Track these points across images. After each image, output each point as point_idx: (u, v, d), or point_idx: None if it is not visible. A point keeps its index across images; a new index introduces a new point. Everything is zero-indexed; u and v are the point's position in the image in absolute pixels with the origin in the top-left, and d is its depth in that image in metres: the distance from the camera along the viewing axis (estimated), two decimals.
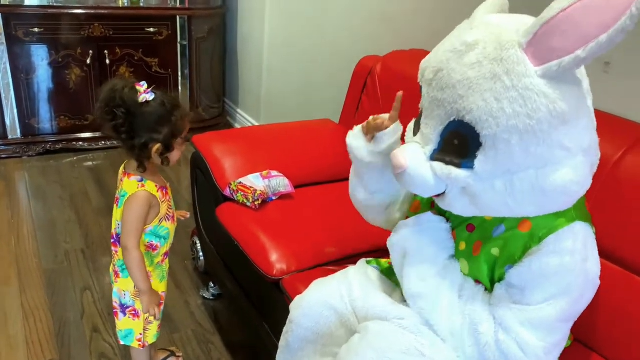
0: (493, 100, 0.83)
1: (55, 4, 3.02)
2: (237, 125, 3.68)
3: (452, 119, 0.89)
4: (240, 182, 1.70)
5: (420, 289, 1.04)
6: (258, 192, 1.66)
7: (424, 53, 1.00)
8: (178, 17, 3.25)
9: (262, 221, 1.61)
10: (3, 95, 2.98)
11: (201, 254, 2.07)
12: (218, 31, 3.53)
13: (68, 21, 3.00)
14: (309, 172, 1.82)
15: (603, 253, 1.13)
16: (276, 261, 1.45)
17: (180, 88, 3.41)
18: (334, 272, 1.25)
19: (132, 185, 1.27)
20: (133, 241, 1.27)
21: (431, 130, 0.93)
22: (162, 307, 1.44)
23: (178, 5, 3.26)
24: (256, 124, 3.39)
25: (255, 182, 1.70)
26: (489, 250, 0.99)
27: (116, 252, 1.37)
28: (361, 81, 1.97)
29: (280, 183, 1.73)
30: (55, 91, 3.10)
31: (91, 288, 2.04)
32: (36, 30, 2.95)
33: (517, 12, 0.95)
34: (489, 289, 1.02)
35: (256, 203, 1.66)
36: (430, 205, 1.10)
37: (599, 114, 1.29)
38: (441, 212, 1.07)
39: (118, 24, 3.12)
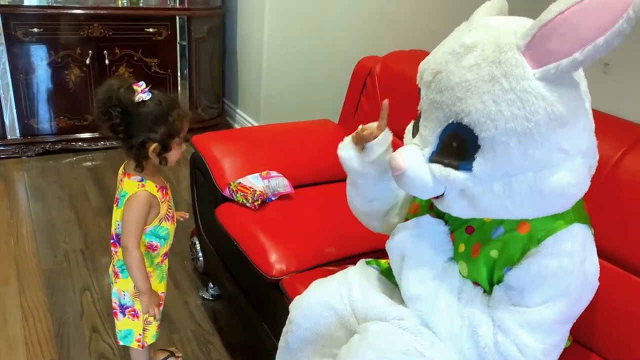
0: (491, 102, 0.83)
1: (54, 4, 3.01)
2: (237, 126, 3.68)
3: (450, 121, 0.89)
4: (240, 183, 1.70)
5: (418, 292, 1.04)
6: (257, 193, 1.66)
7: (424, 53, 1.00)
8: (177, 18, 3.25)
9: (262, 221, 1.61)
10: (2, 96, 2.98)
11: (200, 254, 2.07)
12: (217, 31, 3.53)
13: (67, 21, 3.00)
14: (308, 173, 1.82)
15: (602, 253, 1.13)
16: (275, 261, 1.45)
17: (179, 88, 3.41)
18: (333, 272, 1.25)
19: (132, 186, 1.27)
20: (133, 241, 1.27)
21: (430, 132, 0.93)
22: (161, 308, 1.44)
23: (177, 5, 3.26)
24: (255, 124, 3.39)
25: (255, 182, 1.70)
26: (488, 252, 0.99)
27: (116, 252, 1.37)
28: (360, 81, 1.97)
29: (279, 183, 1.73)
30: (55, 91, 3.10)
31: (90, 288, 2.04)
32: (35, 30, 2.94)
33: (517, 14, 0.95)
34: (488, 291, 1.02)
35: (255, 203, 1.66)
36: (429, 207, 1.10)
37: (598, 115, 1.29)
38: (440, 215, 1.07)
39: (117, 24, 3.11)
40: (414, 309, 1.04)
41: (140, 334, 1.42)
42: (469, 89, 0.85)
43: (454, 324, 1.00)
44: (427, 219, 1.07)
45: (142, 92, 1.20)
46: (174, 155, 1.28)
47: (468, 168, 0.89)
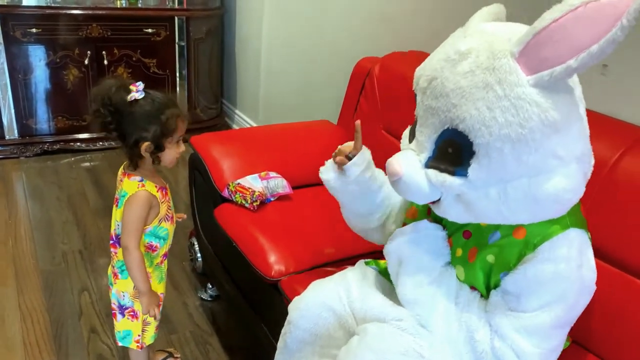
0: (485, 109, 0.83)
1: (53, 5, 3.01)
2: (235, 126, 3.68)
3: (446, 127, 0.90)
4: (239, 183, 1.70)
5: (416, 296, 1.04)
6: (256, 193, 1.66)
7: (423, 54, 1.01)
8: (176, 18, 3.24)
9: (260, 222, 1.61)
10: (0, 96, 2.97)
11: (199, 255, 2.07)
12: (216, 32, 3.53)
13: (66, 22, 2.99)
14: (307, 173, 1.82)
15: (600, 255, 1.13)
16: (274, 262, 1.45)
17: (178, 89, 3.41)
18: (332, 273, 1.25)
19: (132, 186, 1.27)
20: (133, 241, 1.27)
21: (426, 138, 0.94)
22: (160, 309, 1.44)
23: (176, 6, 3.26)
24: (254, 125, 3.39)
25: (254, 183, 1.70)
26: (485, 256, 1.00)
27: (115, 253, 1.36)
28: (359, 82, 1.98)
29: (278, 184, 1.73)
30: (53, 92, 3.10)
31: (89, 289, 2.04)
32: (34, 30, 2.94)
33: (518, 19, 0.95)
34: (485, 296, 1.03)
35: (254, 204, 1.66)
36: (427, 212, 1.10)
37: (596, 116, 1.30)
38: (438, 220, 1.07)
39: (116, 24, 3.11)
40: (412, 312, 1.05)
41: (139, 335, 1.42)
42: (464, 95, 0.85)
43: (451, 329, 1.01)
44: (425, 223, 1.07)
45: (136, 91, 1.21)
46: (168, 155, 1.27)
47: (463, 174, 0.89)
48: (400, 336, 1.01)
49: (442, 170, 0.92)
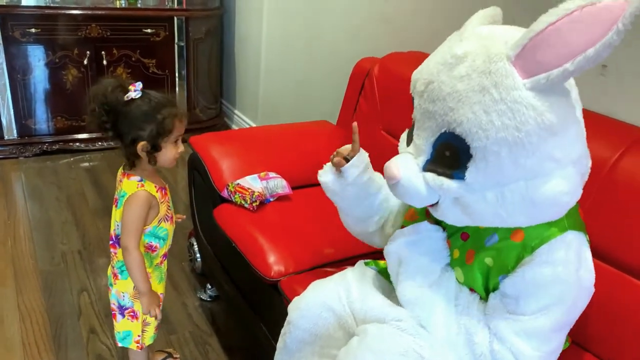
0: (482, 112, 0.84)
1: (52, 5, 3.01)
2: (234, 127, 3.68)
3: (443, 130, 0.90)
4: (238, 184, 1.70)
5: (415, 298, 1.04)
6: (256, 194, 1.66)
7: (422, 55, 1.01)
8: (175, 18, 3.24)
9: (260, 223, 1.61)
10: None
11: (198, 255, 2.07)
12: (215, 32, 3.53)
13: (65, 22, 2.99)
14: (306, 174, 1.81)
15: (600, 255, 1.14)
16: (274, 263, 1.45)
17: (177, 89, 3.40)
18: (332, 273, 1.25)
19: (131, 186, 1.27)
20: (133, 241, 1.27)
21: (423, 142, 0.94)
22: (160, 309, 1.44)
23: (175, 6, 3.26)
24: (253, 125, 3.39)
25: (253, 183, 1.70)
26: (482, 259, 1.00)
27: (115, 253, 1.36)
28: (359, 83, 1.98)
29: (277, 184, 1.73)
30: (52, 92, 3.09)
31: (88, 289, 2.04)
32: (33, 30, 2.94)
33: (520, 21, 0.95)
34: (484, 298, 1.03)
35: (254, 204, 1.66)
36: (426, 214, 1.10)
37: (596, 117, 1.30)
38: (438, 221, 1.07)
39: (115, 24, 3.11)
40: (411, 313, 1.05)
41: (139, 335, 1.42)
42: (460, 99, 0.86)
43: (450, 331, 1.01)
44: (425, 225, 1.07)
45: (133, 91, 1.21)
46: (165, 155, 1.27)
47: (461, 177, 0.90)
48: (400, 337, 1.01)
49: (439, 174, 0.92)
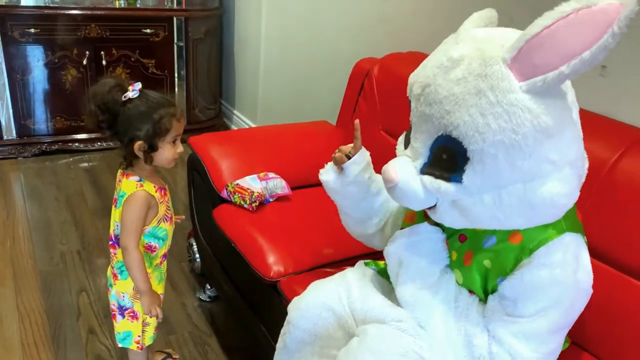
0: (478, 115, 0.84)
1: (51, 5, 3.00)
2: (234, 127, 3.68)
3: (440, 133, 0.90)
4: (238, 184, 1.70)
5: (415, 299, 1.05)
6: (255, 194, 1.66)
7: (422, 55, 1.01)
8: (175, 18, 3.24)
9: (259, 223, 1.61)
10: None
11: (197, 255, 2.07)
12: (215, 32, 3.53)
13: (64, 22, 2.99)
14: (306, 174, 1.82)
15: (599, 256, 1.14)
16: (273, 263, 1.45)
17: (176, 89, 3.40)
18: (331, 274, 1.25)
19: (130, 186, 1.27)
20: (133, 241, 1.27)
21: (421, 145, 0.95)
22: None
23: (175, 6, 3.25)
24: (253, 125, 3.39)
25: (253, 183, 1.70)
26: (481, 261, 1.00)
27: (115, 253, 1.36)
28: (358, 83, 1.98)
29: (277, 185, 1.73)
30: (51, 92, 3.09)
31: (87, 290, 2.04)
32: (32, 30, 2.93)
33: (521, 21, 0.95)
34: (483, 300, 1.03)
35: (253, 205, 1.66)
36: (425, 215, 1.10)
37: (595, 117, 1.30)
38: (437, 223, 1.08)
39: (114, 24, 3.11)
40: (411, 314, 1.05)
41: (139, 336, 1.42)
42: (457, 102, 0.86)
43: (450, 333, 1.01)
44: (425, 226, 1.08)
45: (131, 91, 1.21)
46: (162, 154, 1.26)
47: (458, 180, 0.90)
48: (400, 337, 1.01)
49: (437, 177, 0.93)
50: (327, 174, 1.17)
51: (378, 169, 1.10)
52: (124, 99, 1.21)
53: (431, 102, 0.90)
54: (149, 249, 1.35)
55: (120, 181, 1.31)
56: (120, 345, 1.44)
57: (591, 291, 0.99)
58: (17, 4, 2.94)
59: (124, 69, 3.21)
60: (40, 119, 3.12)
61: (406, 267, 1.07)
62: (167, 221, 1.35)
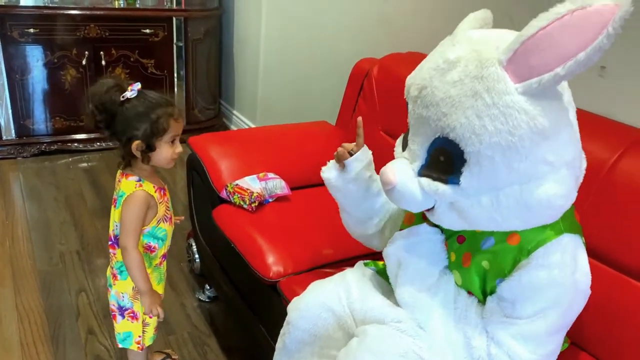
0: (475, 117, 0.84)
1: (50, 5, 3.00)
2: (233, 127, 3.68)
3: (437, 135, 0.90)
4: (237, 184, 1.70)
5: (414, 300, 1.05)
6: (255, 194, 1.66)
7: (421, 55, 1.01)
8: (174, 19, 3.24)
9: (259, 223, 1.61)
10: None
11: (197, 256, 2.07)
12: (214, 32, 3.52)
13: (63, 22, 2.99)
14: (305, 174, 1.82)
15: (598, 257, 1.14)
16: (273, 263, 1.45)
17: (176, 89, 3.40)
18: (331, 274, 1.25)
19: (129, 186, 1.27)
20: (132, 241, 1.27)
21: (418, 147, 0.95)
22: None
23: (174, 6, 3.25)
24: (252, 125, 3.39)
25: (252, 184, 1.70)
26: (479, 262, 1.00)
27: (114, 254, 1.36)
28: (358, 83, 1.98)
29: (276, 185, 1.73)
30: (51, 92, 3.09)
31: (86, 290, 2.03)
32: (31, 30, 2.93)
33: (519, 19, 0.95)
34: (482, 301, 1.03)
35: (253, 205, 1.66)
36: (424, 216, 1.10)
37: (595, 118, 1.30)
38: (436, 224, 1.08)
39: (114, 24, 3.11)
40: (411, 315, 1.05)
41: (140, 336, 1.42)
42: (453, 104, 0.86)
43: (449, 334, 1.01)
44: (424, 227, 1.08)
45: (129, 91, 1.21)
46: (159, 154, 1.26)
47: (455, 182, 0.90)
48: (399, 338, 1.01)
49: (434, 179, 0.93)
50: (329, 172, 1.18)
51: (377, 169, 1.10)
52: (122, 99, 1.22)
53: (428, 105, 0.90)
54: (148, 249, 1.35)
55: (119, 181, 1.31)
56: (120, 345, 1.44)
57: (589, 292, 0.99)
58: (17, 4, 2.93)
59: (123, 69, 3.21)
60: (40, 119, 3.12)
61: (405, 269, 1.07)
62: (166, 221, 1.35)
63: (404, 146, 1.01)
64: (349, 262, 1.38)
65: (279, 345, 1.23)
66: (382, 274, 1.21)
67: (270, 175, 1.75)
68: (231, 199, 1.69)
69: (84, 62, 3.07)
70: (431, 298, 1.04)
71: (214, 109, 3.72)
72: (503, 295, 0.97)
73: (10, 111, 3.02)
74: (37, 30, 2.95)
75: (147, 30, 3.20)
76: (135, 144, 1.23)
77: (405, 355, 0.98)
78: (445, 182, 0.91)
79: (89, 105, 1.23)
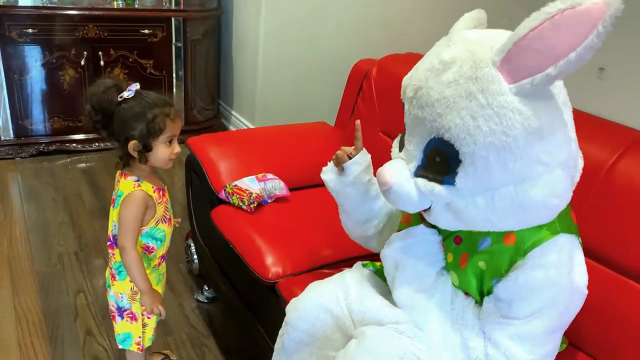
0: (469, 118, 0.84)
1: (49, 5, 3.00)
2: (232, 128, 3.68)
3: (432, 136, 0.91)
4: (236, 185, 1.70)
5: (412, 302, 1.05)
6: (254, 195, 1.66)
7: (420, 56, 1.01)
8: (173, 19, 3.24)
9: (258, 224, 1.61)
10: None
11: (195, 256, 2.06)
12: (213, 33, 3.52)
13: (62, 22, 2.98)
14: (304, 175, 1.82)
15: (597, 257, 1.14)
16: (271, 264, 1.44)
17: (174, 90, 3.40)
18: (329, 275, 1.25)
19: (128, 185, 1.27)
20: (130, 241, 1.27)
21: (414, 147, 0.95)
22: None
23: (173, 6, 3.25)
24: (251, 126, 3.38)
25: (251, 184, 1.70)
26: (476, 263, 1.00)
27: (113, 254, 1.36)
28: (357, 84, 1.98)
29: (275, 186, 1.73)
30: (49, 92, 3.08)
31: (84, 291, 2.03)
32: (30, 31, 2.93)
33: (519, 19, 0.95)
34: (479, 302, 1.03)
35: (251, 206, 1.65)
36: (421, 217, 1.10)
37: (594, 119, 1.30)
38: (433, 224, 1.08)
39: (113, 25, 3.10)
40: (408, 317, 1.05)
41: (139, 337, 1.42)
42: (448, 105, 0.86)
43: (446, 335, 1.01)
44: (421, 229, 1.08)
45: (127, 91, 1.22)
46: (156, 154, 1.26)
47: (451, 182, 0.90)
48: (398, 339, 1.01)
49: (430, 179, 0.93)
50: (328, 174, 1.18)
51: (377, 170, 1.10)
52: (119, 99, 1.22)
53: (423, 105, 0.91)
54: (147, 249, 1.35)
55: (118, 181, 1.31)
56: (120, 346, 1.44)
57: (586, 292, 0.99)
58: (15, 4, 2.93)
59: (122, 69, 3.20)
60: (38, 120, 3.12)
61: (402, 270, 1.07)
62: (165, 222, 1.35)
63: (401, 147, 1.01)
64: (348, 263, 1.38)
65: (277, 345, 1.23)
66: (381, 275, 1.21)
67: (269, 176, 1.75)
68: (230, 199, 1.69)
69: (82, 63, 3.07)
70: (428, 299, 1.04)
71: (213, 110, 3.72)
72: (500, 295, 0.97)
73: (8, 111, 3.02)
74: (36, 31, 2.94)
75: (146, 31, 3.19)
76: (132, 144, 1.23)
77: (404, 357, 0.98)
78: (441, 182, 0.91)
79: (87, 105, 1.24)
